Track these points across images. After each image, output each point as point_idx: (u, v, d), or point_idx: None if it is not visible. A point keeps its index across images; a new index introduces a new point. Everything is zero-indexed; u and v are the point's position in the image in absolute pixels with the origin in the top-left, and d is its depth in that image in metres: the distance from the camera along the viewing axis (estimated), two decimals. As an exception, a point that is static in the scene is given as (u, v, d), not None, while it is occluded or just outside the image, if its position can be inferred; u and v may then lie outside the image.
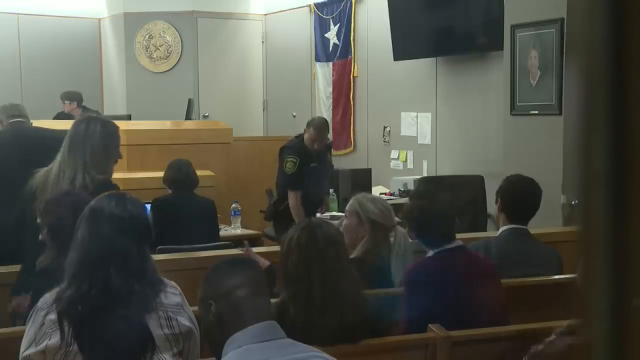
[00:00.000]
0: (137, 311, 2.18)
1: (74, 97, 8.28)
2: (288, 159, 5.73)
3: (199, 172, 5.20)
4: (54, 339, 2.13)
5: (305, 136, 5.88)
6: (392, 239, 3.33)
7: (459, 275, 2.95)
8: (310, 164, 5.77)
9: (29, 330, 2.19)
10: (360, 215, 3.33)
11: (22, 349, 2.18)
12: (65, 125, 6.35)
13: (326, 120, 6.23)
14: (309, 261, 2.54)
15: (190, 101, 9.21)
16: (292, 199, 5.69)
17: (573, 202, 5.05)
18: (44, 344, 2.13)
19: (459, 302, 2.89)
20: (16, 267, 3.30)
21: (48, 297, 2.21)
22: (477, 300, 2.93)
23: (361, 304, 2.59)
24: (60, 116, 8.14)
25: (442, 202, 3.14)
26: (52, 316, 2.15)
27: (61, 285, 2.20)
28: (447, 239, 3.03)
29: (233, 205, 5.93)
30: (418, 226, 3.08)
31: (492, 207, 3.72)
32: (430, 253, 3.04)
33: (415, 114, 8.01)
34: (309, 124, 5.96)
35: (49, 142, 4.42)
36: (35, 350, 2.14)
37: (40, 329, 2.16)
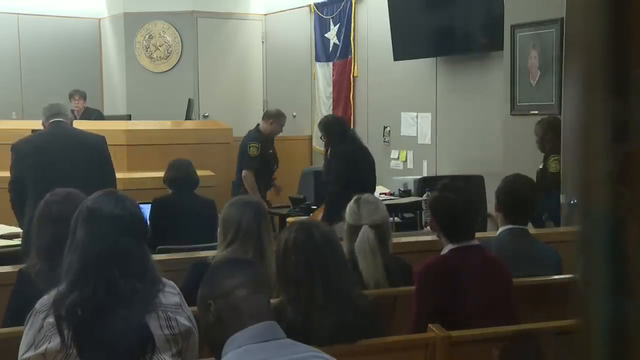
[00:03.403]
0: (138, 311, 2.17)
1: (84, 94, 8.49)
2: (251, 145, 6.75)
3: (199, 172, 5.20)
4: (54, 342, 2.11)
5: (270, 127, 6.92)
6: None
7: (474, 274, 2.93)
8: (269, 150, 6.88)
9: (27, 334, 2.16)
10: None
11: (20, 352, 2.16)
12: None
13: None
14: (309, 261, 2.53)
15: (190, 101, 9.22)
16: (250, 177, 6.71)
17: (571, 202, 5.05)
18: (44, 347, 2.11)
19: (472, 301, 2.88)
20: (15, 267, 3.29)
21: (46, 300, 2.18)
22: (490, 300, 2.92)
23: (360, 303, 2.59)
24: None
25: (469, 199, 3.11)
26: (51, 319, 2.13)
27: (59, 288, 2.17)
28: (468, 236, 3.01)
29: (233, 205, 5.93)
30: (445, 219, 3.02)
31: (492, 207, 3.71)
32: (445, 250, 3.01)
33: (415, 114, 8.01)
34: (276, 115, 7.02)
35: (89, 143, 4.59)
36: (34, 353, 2.12)
37: (39, 332, 2.13)
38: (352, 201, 3.43)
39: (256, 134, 6.91)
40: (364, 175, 5.59)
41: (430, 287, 2.91)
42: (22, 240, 4.46)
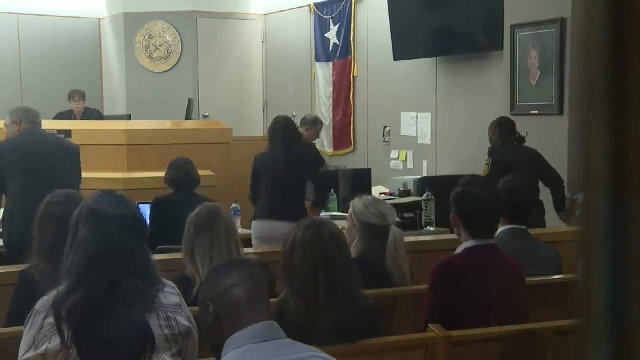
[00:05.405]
0: (139, 311, 2.17)
1: (83, 94, 8.51)
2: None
3: (198, 172, 5.19)
4: (54, 343, 2.10)
5: (306, 134, 6.64)
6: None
7: (487, 275, 2.90)
8: None
9: (28, 334, 2.16)
10: (352, 217, 3.36)
11: (21, 352, 2.16)
12: (68, 125, 6.45)
13: None
14: (316, 258, 2.53)
15: (190, 101, 9.21)
16: None
17: (574, 197, 5.07)
18: (44, 347, 2.11)
19: (484, 302, 2.87)
20: (18, 267, 3.29)
21: (46, 300, 2.18)
22: (502, 301, 2.90)
23: (362, 303, 2.59)
24: (60, 116, 8.18)
25: (494, 198, 3.06)
26: (51, 319, 2.13)
27: (59, 288, 2.17)
28: (488, 235, 2.99)
29: (233, 205, 5.92)
30: (468, 214, 2.96)
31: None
32: (460, 249, 2.99)
33: (415, 114, 8.01)
34: (312, 122, 6.84)
35: (54, 147, 4.89)
36: (34, 353, 2.12)
37: (40, 332, 2.13)
38: (361, 202, 3.39)
39: None
40: (264, 179, 5.42)
41: (442, 287, 2.88)
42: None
